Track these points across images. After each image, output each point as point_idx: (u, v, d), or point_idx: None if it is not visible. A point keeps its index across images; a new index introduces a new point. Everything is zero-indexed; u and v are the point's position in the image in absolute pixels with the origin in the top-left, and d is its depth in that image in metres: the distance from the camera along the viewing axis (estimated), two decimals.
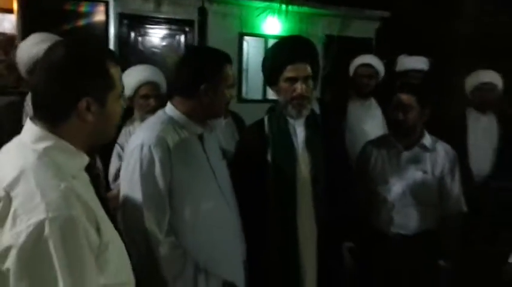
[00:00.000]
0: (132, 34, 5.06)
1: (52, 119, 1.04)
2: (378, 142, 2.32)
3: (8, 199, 0.93)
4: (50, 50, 1.06)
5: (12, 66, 3.37)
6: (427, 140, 2.21)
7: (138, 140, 1.52)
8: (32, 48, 2.36)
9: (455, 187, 2.18)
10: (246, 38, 5.54)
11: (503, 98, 3.38)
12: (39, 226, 0.90)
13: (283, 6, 4.93)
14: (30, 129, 1.04)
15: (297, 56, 1.89)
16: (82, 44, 1.10)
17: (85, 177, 1.11)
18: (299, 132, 2.00)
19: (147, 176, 1.47)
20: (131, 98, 2.42)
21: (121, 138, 2.40)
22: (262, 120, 2.10)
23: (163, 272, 1.46)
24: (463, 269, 2.50)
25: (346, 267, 2.10)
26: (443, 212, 2.20)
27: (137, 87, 2.40)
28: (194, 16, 5.13)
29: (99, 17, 4.76)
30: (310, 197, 1.95)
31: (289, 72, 1.89)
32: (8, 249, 0.90)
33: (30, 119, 1.05)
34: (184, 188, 1.53)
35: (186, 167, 1.55)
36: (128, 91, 2.36)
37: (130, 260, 1.20)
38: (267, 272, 1.94)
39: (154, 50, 5.18)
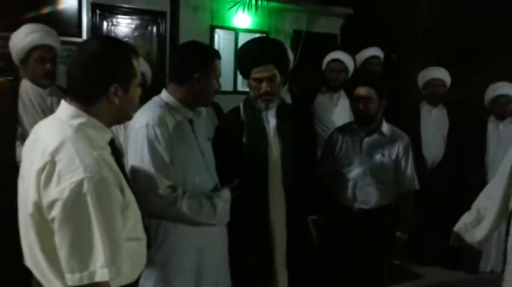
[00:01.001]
0: (105, 23, 5.09)
1: (86, 100, 1.27)
2: (343, 129, 2.61)
3: (53, 163, 1.16)
4: (85, 44, 1.32)
5: None
6: (385, 127, 2.51)
7: (142, 121, 1.75)
8: (24, 38, 2.47)
9: (409, 168, 2.50)
10: (217, 30, 5.68)
11: (454, 92, 3.74)
12: (80, 183, 1.12)
13: (253, 0, 5.11)
14: (66, 108, 1.28)
15: (261, 59, 2.17)
16: (113, 41, 1.37)
17: (109, 149, 1.34)
18: (271, 120, 2.28)
19: (154, 151, 1.71)
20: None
21: None
22: (238, 107, 2.35)
23: (191, 218, 1.77)
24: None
25: (310, 236, 2.38)
26: (399, 189, 2.51)
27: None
28: (166, 7, 5.23)
29: (70, 4, 4.78)
30: (280, 176, 2.24)
31: (255, 73, 2.18)
32: (54, 202, 1.13)
33: (65, 100, 1.28)
34: (180, 163, 1.78)
35: (181, 146, 1.80)
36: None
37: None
38: (243, 239, 2.20)
39: (126, 39, 5.24)
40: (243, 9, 5.25)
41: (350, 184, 2.51)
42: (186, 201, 1.75)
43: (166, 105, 1.85)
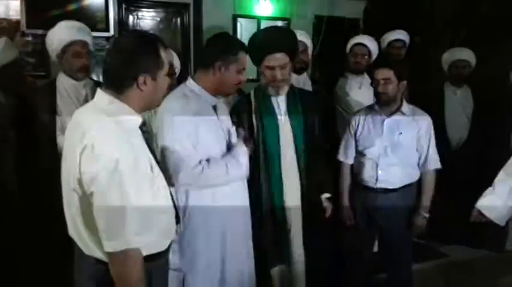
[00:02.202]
0: (131, 17, 5.25)
1: (118, 89, 1.42)
2: (365, 111, 2.67)
3: (92, 144, 1.31)
4: (118, 39, 1.51)
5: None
6: (406, 108, 2.56)
7: (168, 107, 1.89)
8: (61, 34, 2.63)
9: (431, 147, 2.54)
10: (240, 19, 5.75)
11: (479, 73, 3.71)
12: (115, 163, 1.30)
13: None
14: (101, 96, 1.43)
15: (274, 48, 2.27)
16: (142, 34, 1.53)
17: (139, 132, 1.49)
18: (281, 105, 2.40)
19: (179, 134, 1.85)
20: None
21: None
22: (249, 94, 2.49)
23: (223, 178, 1.93)
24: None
25: (325, 213, 2.47)
26: (422, 169, 2.56)
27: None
28: None
29: (98, 0, 4.94)
30: (293, 158, 2.35)
31: (268, 61, 2.28)
32: (93, 179, 1.30)
33: (101, 89, 1.44)
34: (203, 148, 1.91)
35: (205, 131, 1.92)
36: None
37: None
38: (259, 220, 2.32)
39: (152, 32, 5.39)
40: None
41: (372, 164, 2.58)
42: (212, 167, 1.90)
43: (191, 92, 1.98)
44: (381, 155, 2.56)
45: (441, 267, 3.46)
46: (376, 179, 2.58)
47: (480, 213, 2.23)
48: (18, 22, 4.71)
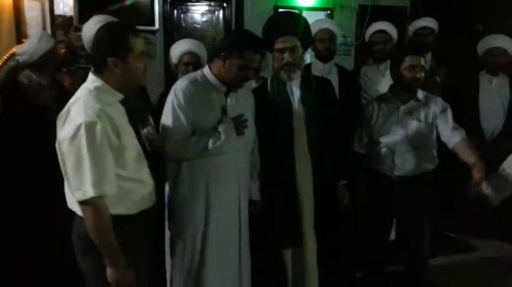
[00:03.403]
0: (175, 12, 5.49)
1: (98, 70, 1.69)
2: (379, 99, 2.67)
3: (68, 112, 1.63)
4: (98, 29, 1.73)
5: (70, 45, 3.88)
6: (420, 94, 2.54)
7: (174, 87, 2.10)
8: (94, 28, 2.85)
9: (450, 122, 2.48)
10: (281, 10, 5.80)
11: None
12: (79, 126, 1.56)
13: None
14: (90, 76, 1.70)
15: (284, 30, 2.32)
16: (111, 23, 1.82)
17: (120, 108, 1.72)
18: (295, 91, 2.42)
19: (174, 112, 2.06)
20: (176, 66, 2.95)
21: None
22: (266, 81, 2.54)
23: (202, 146, 2.08)
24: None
25: (341, 200, 2.50)
26: (451, 143, 2.45)
27: (181, 56, 2.90)
28: None
29: None
30: (306, 144, 2.38)
31: (278, 44, 2.34)
32: (63, 140, 1.60)
33: (91, 70, 1.70)
34: (199, 123, 2.09)
35: (205, 113, 2.10)
36: (174, 59, 2.94)
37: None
38: (272, 203, 2.39)
39: (195, 25, 5.60)
40: None
41: (388, 152, 2.57)
42: (193, 140, 2.06)
43: (203, 77, 2.15)
44: (397, 143, 2.54)
45: (470, 262, 3.35)
46: (394, 167, 2.56)
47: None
48: (72, 18, 5.09)
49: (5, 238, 2.46)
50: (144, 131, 2.09)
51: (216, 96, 2.15)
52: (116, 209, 1.67)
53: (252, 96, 2.37)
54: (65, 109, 1.64)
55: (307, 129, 2.40)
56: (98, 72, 1.69)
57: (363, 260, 2.84)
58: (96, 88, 1.67)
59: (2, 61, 3.54)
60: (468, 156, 2.36)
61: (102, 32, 1.71)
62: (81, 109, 1.59)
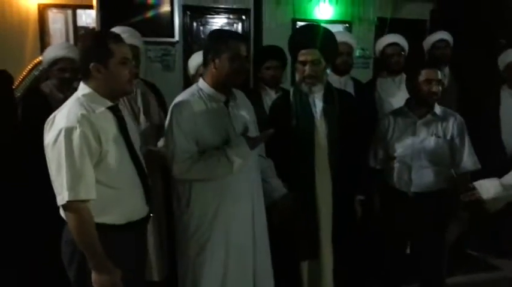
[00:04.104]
0: (195, 24, 5.56)
1: (84, 77, 1.74)
2: (395, 113, 2.63)
3: (54, 118, 1.69)
4: (81, 37, 1.89)
5: None
6: (438, 109, 2.49)
7: (174, 103, 2.04)
8: None
9: (466, 147, 2.46)
10: (299, 23, 5.79)
11: None
12: (59, 131, 1.62)
13: None
14: (81, 84, 1.75)
15: (307, 43, 2.33)
16: (92, 32, 2.01)
17: (107, 114, 1.75)
18: (317, 104, 2.42)
19: (176, 128, 1.99)
20: (194, 77, 2.96)
21: None
22: (288, 92, 2.52)
23: (209, 175, 2.00)
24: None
25: (356, 216, 2.47)
26: (456, 170, 2.49)
27: (198, 67, 2.90)
28: (250, 5, 5.52)
29: (165, 8, 5.29)
30: (326, 157, 2.38)
31: (300, 56, 2.35)
32: (47, 144, 1.65)
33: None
34: (202, 140, 2.02)
35: (208, 127, 2.02)
36: (192, 71, 2.97)
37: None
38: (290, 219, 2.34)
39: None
40: (324, 0, 5.33)
41: (405, 168, 2.52)
42: (199, 163, 1.96)
43: (200, 91, 2.07)
44: (414, 158, 2.49)
45: (491, 281, 3.26)
46: (410, 184, 2.51)
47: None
48: (94, 29, 5.20)
49: (20, 243, 2.50)
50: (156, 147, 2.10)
51: (217, 107, 2.06)
52: (102, 218, 1.69)
53: (249, 101, 2.28)
54: (52, 115, 1.70)
55: (328, 141, 2.40)
56: (85, 80, 1.75)
57: (378, 274, 2.78)
58: (84, 95, 1.72)
59: (26, 71, 3.65)
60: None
61: (84, 39, 1.81)
62: (64, 115, 1.64)
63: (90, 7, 5.05)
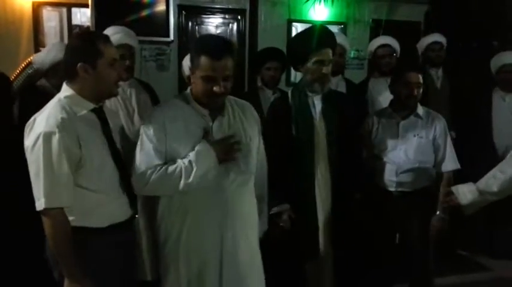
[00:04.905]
0: (190, 23, 5.56)
1: (69, 78, 1.69)
2: (379, 114, 2.70)
3: (34, 121, 1.64)
4: (69, 38, 1.81)
5: None
6: (420, 110, 2.57)
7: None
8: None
9: (447, 147, 2.53)
10: (295, 24, 5.83)
11: None
12: (38, 136, 1.57)
13: None
14: (63, 86, 1.70)
15: (324, 43, 2.34)
16: (81, 32, 1.88)
17: (90, 117, 1.71)
18: (317, 105, 2.43)
19: (143, 138, 1.79)
20: (189, 77, 2.89)
21: None
22: (287, 94, 2.53)
23: (171, 184, 1.73)
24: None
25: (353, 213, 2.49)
26: (438, 170, 2.56)
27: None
28: (246, 5, 5.52)
29: (160, 7, 5.29)
30: (326, 158, 2.40)
31: (317, 56, 2.34)
32: (27, 148, 1.62)
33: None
34: (173, 151, 1.78)
35: (180, 139, 1.77)
36: (186, 71, 2.85)
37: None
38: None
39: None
40: (320, 2, 5.35)
41: (389, 168, 2.58)
42: (158, 176, 1.72)
43: (182, 100, 1.84)
44: (397, 158, 2.55)
45: (483, 282, 3.28)
46: (394, 182, 2.58)
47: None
48: (88, 28, 5.19)
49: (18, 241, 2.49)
50: None
51: (197, 119, 1.80)
52: (83, 222, 1.66)
53: (256, 115, 2.00)
54: (32, 118, 1.65)
55: (327, 142, 2.42)
56: (70, 82, 1.69)
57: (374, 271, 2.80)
58: (66, 97, 1.67)
59: (20, 69, 3.64)
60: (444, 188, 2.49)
61: (72, 40, 1.78)
62: (43, 119, 1.60)
63: (85, 5, 5.06)
